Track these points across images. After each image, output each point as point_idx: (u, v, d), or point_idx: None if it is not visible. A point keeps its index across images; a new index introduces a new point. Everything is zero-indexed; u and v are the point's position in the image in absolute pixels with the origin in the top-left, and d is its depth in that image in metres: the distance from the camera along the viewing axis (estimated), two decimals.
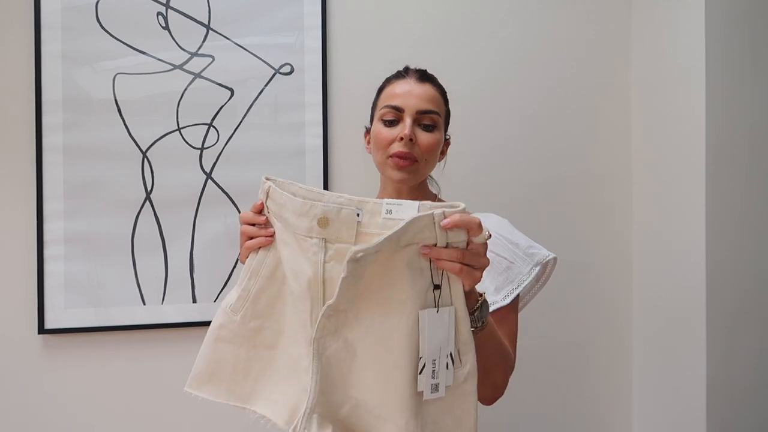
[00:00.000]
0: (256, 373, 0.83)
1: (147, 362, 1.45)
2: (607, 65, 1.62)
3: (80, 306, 1.41)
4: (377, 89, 1.11)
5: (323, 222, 0.74)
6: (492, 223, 1.06)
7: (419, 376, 0.74)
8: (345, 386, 0.77)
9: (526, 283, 1.00)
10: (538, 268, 1.02)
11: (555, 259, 1.05)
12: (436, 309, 0.74)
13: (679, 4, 1.46)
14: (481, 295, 0.80)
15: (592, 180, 1.62)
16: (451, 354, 0.75)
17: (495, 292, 0.98)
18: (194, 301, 1.45)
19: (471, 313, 0.77)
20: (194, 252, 1.46)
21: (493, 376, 0.92)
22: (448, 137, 1.11)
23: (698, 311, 1.39)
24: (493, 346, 0.87)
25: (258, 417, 0.84)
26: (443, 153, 1.11)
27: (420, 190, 1.09)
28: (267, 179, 0.82)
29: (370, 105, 1.12)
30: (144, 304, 1.43)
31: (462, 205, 0.73)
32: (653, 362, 1.55)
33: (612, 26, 1.63)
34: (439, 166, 1.12)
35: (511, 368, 0.95)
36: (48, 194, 1.40)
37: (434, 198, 1.12)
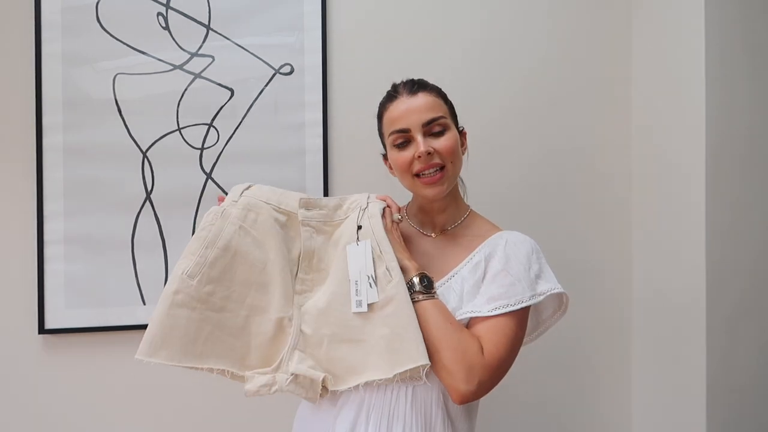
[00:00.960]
0: (206, 333, 0.94)
1: (147, 362, 1.45)
2: (607, 65, 1.62)
3: (80, 306, 1.41)
4: (376, 115, 1.11)
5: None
6: (512, 237, 1.05)
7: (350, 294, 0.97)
8: (318, 328, 0.96)
9: (518, 306, 0.97)
10: (541, 298, 0.99)
11: (564, 294, 1.03)
12: (356, 243, 0.99)
13: (679, 4, 1.46)
14: (420, 270, 1.00)
15: (592, 180, 1.62)
16: (371, 276, 0.96)
17: (487, 301, 0.98)
18: None
19: (408, 281, 0.97)
20: None
21: (442, 357, 0.93)
22: (461, 128, 1.10)
23: (698, 311, 1.39)
24: (435, 321, 0.95)
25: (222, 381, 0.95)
26: (463, 144, 1.10)
27: (451, 197, 1.09)
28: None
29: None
30: (144, 304, 1.44)
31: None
32: (653, 362, 1.55)
33: (612, 26, 1.63)
34: (464, 158, 1.11)
35: (467, 360, 0.92)
36: (48, 194, 1.40)
37: (466, 208, 1.13)
